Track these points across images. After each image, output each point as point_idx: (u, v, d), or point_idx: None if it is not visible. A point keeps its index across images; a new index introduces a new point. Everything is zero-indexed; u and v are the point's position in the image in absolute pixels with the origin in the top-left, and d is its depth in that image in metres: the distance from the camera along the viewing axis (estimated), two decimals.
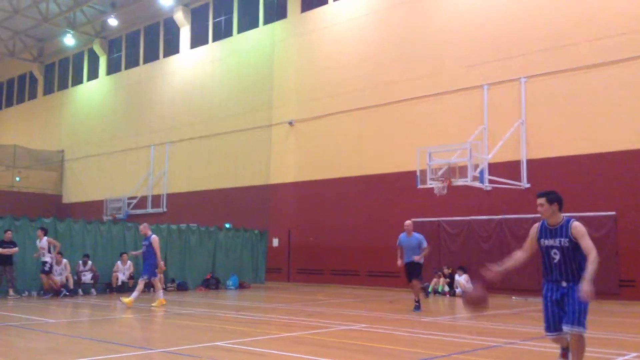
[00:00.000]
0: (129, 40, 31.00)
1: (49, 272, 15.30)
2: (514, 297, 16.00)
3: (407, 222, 12.74)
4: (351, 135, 21.27)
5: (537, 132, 17.01)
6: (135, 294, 13.07)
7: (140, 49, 30.27)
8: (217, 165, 25.53)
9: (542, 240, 5.46)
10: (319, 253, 21.45)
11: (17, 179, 32.82)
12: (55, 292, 15.45)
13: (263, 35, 24.98)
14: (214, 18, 27.03)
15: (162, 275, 16.12)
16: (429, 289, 17.29)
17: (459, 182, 15.96)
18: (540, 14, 17.37)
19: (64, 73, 34.88)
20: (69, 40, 31.32)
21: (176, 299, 15.75)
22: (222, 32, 26.57)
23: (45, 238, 15.36)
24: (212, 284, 19.58)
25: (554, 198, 5.43)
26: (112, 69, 31.84)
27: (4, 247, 15.07)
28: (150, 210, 27.49)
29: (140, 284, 13.23)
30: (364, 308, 12.68)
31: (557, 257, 5.34)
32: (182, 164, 27.00)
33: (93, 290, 16.87)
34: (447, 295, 17.04)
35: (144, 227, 13.63)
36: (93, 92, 32.89)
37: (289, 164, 23.16)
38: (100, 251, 17.65)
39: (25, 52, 34.91)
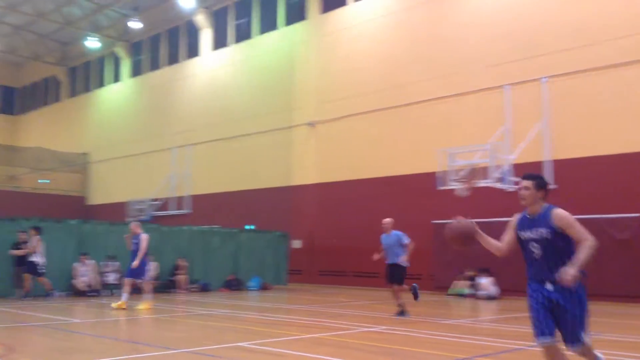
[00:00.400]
0: (151, 44, 31.36)
1: (42, 274, 14.86)
2: None
3: (385, 219, 12.01)
4: (371, 136, 21.25)
5: (561, 132, 16.82)
6: (124, 296, 12.67)
7: (162, 51, 30.61)
8: (238, 167, 25.70)
9: (521, 232, 4.74)
10: (341, 255, 21.46)
11: (43, 181, 33.41)
12: (47, 293, 15.01)
13: (283, 37, 25.10)
14: (234, 20, 27.22)
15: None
16: (457, 292, 17.16)
17: (481, 183, 15.84)
18: (561, 12, 17.18)
19: (87, 76, 35.42)
20: (92, 43, 31.79)
21: (199, 299, 15.89)
22: (243, 35, 26.75)
23: (37, 237, 14.97)
24: (235, 285, 19.72)
25: (542, 184, 4.75)
26: (135, 71, 32.24)
27: (17, 248, 15.02)
28: (173, 211, 27.76)
29: (127, 286, 12.85)
30: (385, 310, 12.67)
31: (538, 252, 4.62)
32: (204, 166, 27.23)
33: (117, 290, 17.08)
34: (469, 297, 16.92)
35: (134, 226, 13.22)
36: (116, 95, 33.34)
37: (309, 165, 23.22)
38: (124, 252, 17.84)
39: (49, 55, 35.52)
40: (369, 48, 21.85)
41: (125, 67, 32.70)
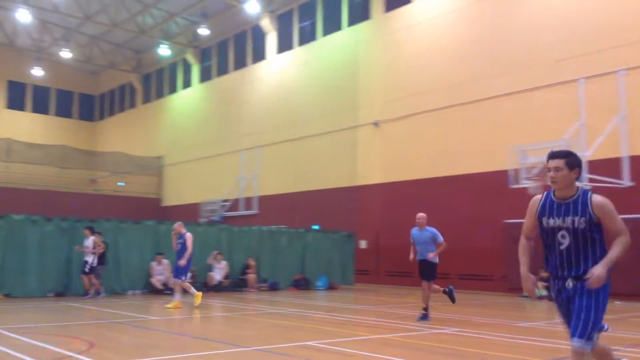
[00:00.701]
0: (219, 49, 32.19)
1: (89, 273, 15.06)
2: (616, 302, 15.12)
3: (420, 214, 11.36)
4: (438, 134, 20.94)
5: (639, 127, 16.00)
6: (176, 295, 12.79)
7: (230, 56, 31.35)
8: (304, 167, 25.96)
9: (546, 219, 4.11)
10: (408, 255, 21.22)
11: (121, 183, 34.97)
12: (96, 292, 15.20)
13: (347, 37, 25.15)
14: (298, 23, 27.53)
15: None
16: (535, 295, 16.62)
17: None
18: (637, 1, 16.34)
19: (160, 82, 36.76)
20: (164, 50, 32.98)
21: (268, 298, 16.18)
22: (307, 37, 27.01)
23: (92, 238, 15.20)
24: (302, 284, 19.94)
25: (575, 161, 4.04)
26: (204, 77, 33.18)
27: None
28: (242, 212, 28.39)
29: (177, 286, 12.96)
30: (454, 311, 12.47)
31: (566, 243, 4.01)
32: (272, 167, 27.68)
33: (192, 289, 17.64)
34: (545, 300, 16.37)
35: (178, 226, 13.25)
36: (187, 100, 34.43)
37: (374, 165, 23.15)
38: (197, 252, 18.39)
39: (125, 63, 37.10)
40: (434, 45, 21.55)
41: (195, 72, 33.71)
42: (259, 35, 29.43)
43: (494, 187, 18.33)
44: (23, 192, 28.97)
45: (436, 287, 11.41)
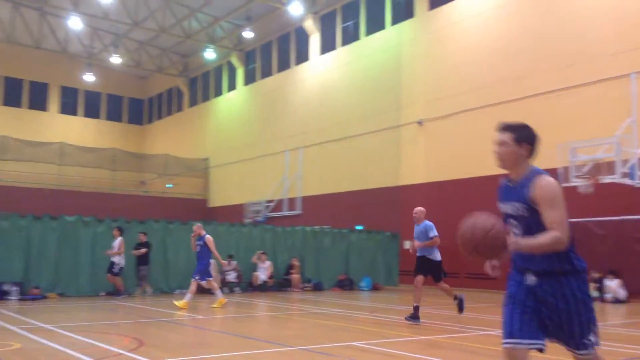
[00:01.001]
0: (263, 51, 32.52)
1: (117, 274, 15.19)
2: None
3: (417, 208, 11.09)
4: (483, 132, 20.48)
5: None
6: (188, 295, 12.62)
7: (274, 58, 31.63)
8: (347, 167, 25.94)
9: (500, 204, 3.63)
10: (453, 256, 20.92)
11: (169, 185, 35.74)
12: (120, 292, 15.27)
13: (390, 36, 25.01)
14: (341, 23, 27.54)
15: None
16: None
17: (606, 179, 14.84)
18: None
19: (206, 85, 37.41)
20: (210, 54, 33.53)
21: (312, 298, 16.25)
22: (350, 37, 26.99)
23: (120, 239, 15.32)
24: (346, 284, 19.94)
25: (525, 136, 3.46)
26: (249, 79, 33.58)
27: (137, 249, 15.95)
28: (286, 212, 28.59)
29: (193, 285, 12.80)
30: (500, 313, 12.22)
31: (518, 233, 3.47)
32: (315, 168, 27.78)
33: (237, 288, 17.92)
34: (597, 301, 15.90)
35: (197, 227, 13.22)
36: (232, 102, 34.92)
37: (418, 164, 22.94)
38: (242, 252, 18.69)
39: (172, 68, 37.91)
40: (479, 42, 21.20)
41: (240, 75, 34.15)
42: (302, 37, 29.59)
43: None
44: (75, 194, 29.97)
45: (445, 285, 11.05)
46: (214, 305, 12.72)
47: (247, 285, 18.30)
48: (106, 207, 26.55)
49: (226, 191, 34.13)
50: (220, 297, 12.96)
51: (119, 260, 15.26)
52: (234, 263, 17.98)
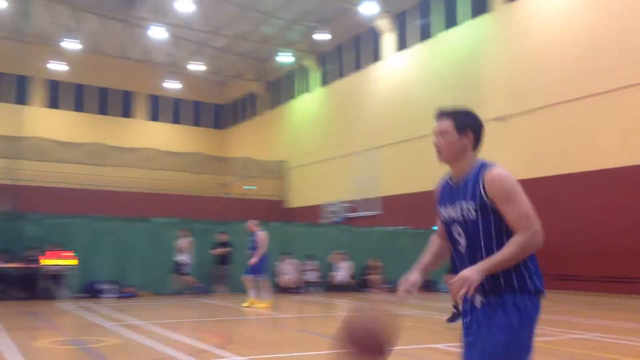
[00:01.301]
0: (337, 52, 32.70)
1: (185, 273, 15.48)
2: None
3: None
4: (572, 127, 19.71)
5: None
6: (264, 295, 12.54)
7: (348, 59, 31.73)
8: (425, 167, 25.57)
9: (441, 208, 2.97)
10: (542, 256, 20.21)
11: (248, 187, 36.68)
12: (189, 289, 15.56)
13: (466, 32, 24.47)
14: (415, 21, 27.24)
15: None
16: None
17: None
18: None
19: (282, 89, 38.07)
20: (285, 58, 34.07)
21: (392, 299, 16.16)
22: (424, 34, 26.64)
23: (188, 239, 15.60)
24: (427, 286, 19.69)
25: (468, 123, 2.92)
26: (324, 81, 33.87)
27: (215, 248, 16.40)
28: (363, 213, 28.61)
29: (248, 283, 12.80)
30: (595, 316, 11.70)
31: (462, 242, 2.83)
32: (392, 167, 27.62)
33: (317, 288, 18.13)
34: None
35: (251, 224, 13.01)
36: (308, 105, 35.35)
37: (501, 161, 22.21)
38: (321, 252, 18.90)
39: (249, 73, 38.87)
40: (563, 33, 20.34)
41: (315, 77, 34.51)
42: (375, 36, 29.52)
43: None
44: (163, 197, 31.35)
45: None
46: (260, 306, 12.47)
47: (327, 285, 18.48)
48: (191, 209, 27.59)
49: (303, 192, 34.59)
50: (252, 297, 12.66)
51: (186, 260, 15.56)
52: (315, 263, 18.21)
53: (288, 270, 17.58)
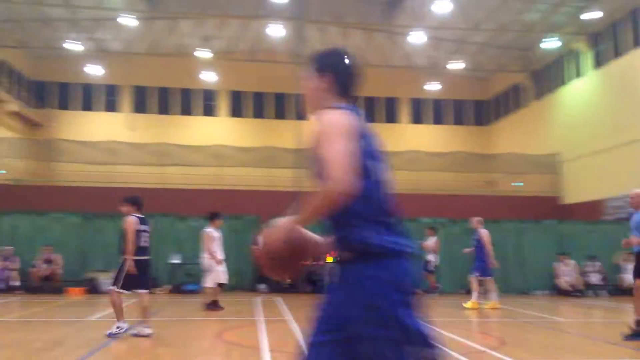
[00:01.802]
0: (611, 31, 29.39)
1: (432, 272, 15.42)
2: None
3: (635, 190, 8.99)
4: None
5: None
6: (474, 294, 12.33)
7: (626, 36, 28.26)
8: None
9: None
10: None
11: (516, 183, 35.25)
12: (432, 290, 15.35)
13: None
14: None
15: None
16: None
17: None
18: None
19: (549, 77, 35.65)
20: (552, 43, 31.90)
21: None
22: None
23: (435, 238, 15.50)
24: None
25: (328, 63, 2.49)
26: (597, 63, 30.75)
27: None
28: None
29: (474, 283, 12.45)
30: None
31: None
32: None
33: (603, 291, 16.57)
34: None
35: (475, 221, 12.77)
36: (580, 90, 32.48)
37: None
38: (605, 252, 17.20)
39: (512, 64, 37.33)
40: None
41: (587, 60, 31.53)
42: None
43: None
44: (426, 196, 32.00)
45: None
46: (466, 305, 12.37)
47: (614, 288, 16.74)
48: (455, 208, 27.61)
49: (581, 186, 31.82)
50: (474, 299, 12.45)
51: (433, 258, 15.63)
52: (597, 264, 16.70)
53: (566, 272, 16.42)
